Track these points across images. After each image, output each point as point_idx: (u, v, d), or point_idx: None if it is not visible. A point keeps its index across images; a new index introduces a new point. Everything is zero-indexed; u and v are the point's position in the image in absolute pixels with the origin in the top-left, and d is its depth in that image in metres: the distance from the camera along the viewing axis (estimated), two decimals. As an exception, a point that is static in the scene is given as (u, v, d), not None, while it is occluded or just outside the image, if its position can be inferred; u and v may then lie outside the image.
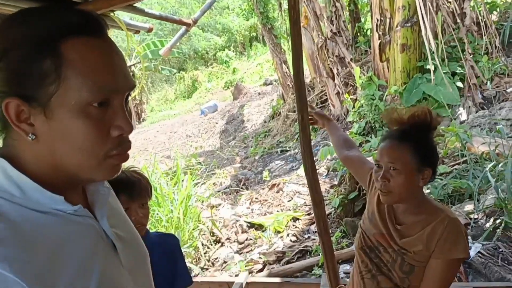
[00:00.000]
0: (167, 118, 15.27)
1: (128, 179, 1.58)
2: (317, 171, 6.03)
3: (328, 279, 2.27)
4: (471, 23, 5.99)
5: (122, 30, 3.04)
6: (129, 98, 0.74)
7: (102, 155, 0.68)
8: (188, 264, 4.11)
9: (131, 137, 0.73)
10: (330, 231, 4.28)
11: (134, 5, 3.04)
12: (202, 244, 4.62)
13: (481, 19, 5.72)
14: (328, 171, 5.72)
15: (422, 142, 1.45)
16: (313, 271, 3.62)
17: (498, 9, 6.88)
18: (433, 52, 5.42)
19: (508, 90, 5.30)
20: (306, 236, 4.39)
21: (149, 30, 3.79)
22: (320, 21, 7.37)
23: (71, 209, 0.69)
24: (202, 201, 5.67)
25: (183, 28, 4.26)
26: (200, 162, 8.10)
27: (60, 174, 0.70)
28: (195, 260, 4.41)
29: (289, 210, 5.08)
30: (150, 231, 1.87)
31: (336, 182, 5.11)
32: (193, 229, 4.73)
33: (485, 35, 5.68)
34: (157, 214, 4.56)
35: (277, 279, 2.79)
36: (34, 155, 0.68)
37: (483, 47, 5.69)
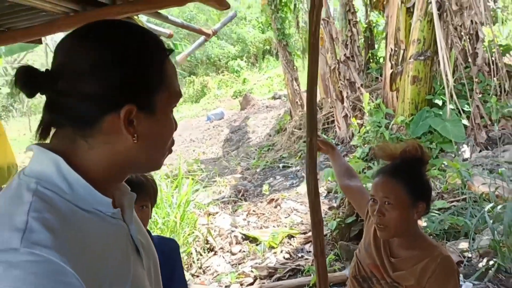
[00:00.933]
0: (172, 121, 15.33)
1: (131, 179, 1.61)
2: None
3: (319, 302, 2.30)
4: (482, 63, 6.08)
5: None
6: None
7: (167, 149, 0.81)
8: (180, 270, 4.14)
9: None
10: (324, 252, 4.31)
11: (159, 11, 3.15)
12: (196, 251, 4.64)
13: (493, 61, 5.81)
14: (328, 192, 5.76)
15: (414, 177, 1.50)
16: (303, 291, 3.65)
17: (511, 53, 6.97)
18: (445, 87, 5.50)
19: (513, 133, 5.36)
20: (299, 255, 4.41)
21: (169, 36, 3.90)
22: (335, 44, 7.47)
23: (110, 211, 0.74)
24: (200, 208, 5.71)
25: (202, 37, 4.37)
26: (201, 168, 8.15)
27: (121, 172, 0.77)
28: (186, 266, 4.44)
29: (285, 226, 5.11)
30: (152, 234, 1.91)
31: (334, 204, 5.16)
32: (188, 235, 4.77)
33: (495, 77, 5.76)
34: (154, 216, 4.59)
35: (268, 295, 2.81)
36: (106, 155, 0.73)
37: (493, 88, 5.77)
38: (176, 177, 5.78)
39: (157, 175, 5.85)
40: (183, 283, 1.90)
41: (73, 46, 0.71)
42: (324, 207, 5.46)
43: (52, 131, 0.75)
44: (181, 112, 17.27)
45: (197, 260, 4.54)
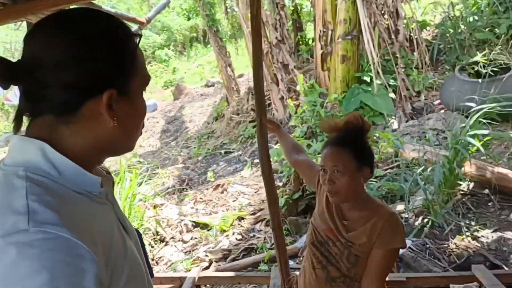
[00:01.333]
0: (103, 116, 14.74)
1: None
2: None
3: (280, 272, 2.43)
4: (403, 40, 6.52)
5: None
6: None
7: (140, 131, 0.85)
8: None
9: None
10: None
11: (92, 1, 3.04)
12: (147, 244, 4.61)
13: (413, 37, 6.26)
14: (274, 172, 5.92)
15: (358, 144, 1.63)
16: (259, 267, 3.78)
17: (428, 28, 7.53)
18: (371, 64, 5.85)
19: (435, 103, 5.85)
20: (251, 235, 4.54)
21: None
22: (266, 27, 7.60)
23: (98, 190, 0.76)
24: (146, 200, 5.63)
25: (136, 26, 4.27)
26: (141, 161, 7.98)
27: (101, 155, 0.80)
28: (139, 259, 4.40)
29: (234, 209, 5.21)
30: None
31: (280, 183, 5.33)
32: (138, 228, 4.71)
33: (415, 51, 6.22)
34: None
35: (229, 273, 2.90)
36: (88, 140, 0.75)
37: (414, 62, 6.23)
38: (116, 172, 5.64)
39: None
40: (149, 267, 1.93)
41: (49, 37, 0.71)
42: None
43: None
44: (111, 106, 16.58)
45: (149, 252, 4.51)
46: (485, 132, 3.94)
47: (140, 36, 0.81)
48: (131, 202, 4.79)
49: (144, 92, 0.83)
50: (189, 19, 21.95)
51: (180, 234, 4.93)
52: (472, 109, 4.21)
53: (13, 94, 11.70)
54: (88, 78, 0.71)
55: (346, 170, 1.58)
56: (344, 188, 1.59)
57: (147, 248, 4.47)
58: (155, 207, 5.67)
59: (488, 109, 4.07)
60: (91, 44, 0.71)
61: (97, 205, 0.76)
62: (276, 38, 7.47)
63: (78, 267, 0.59)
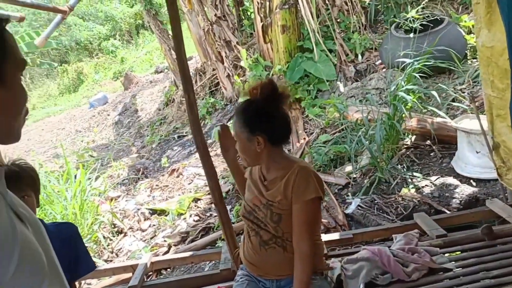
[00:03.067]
0: (52, 115, 14.20)
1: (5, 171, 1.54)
2: (216, 152, 6.22)
3: (227, 244, 2.43)
4: (342, 3, 6.55)
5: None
6: None
7: (23, 118, 0.83)
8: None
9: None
10: (231, 205, 4.48)
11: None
12: (104, 237, 4.52)
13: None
14: (225, 151, 5.90)
15: (251, 111, 1.63)
16: (216, 245, 3.79)
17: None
18: (310, 32, 5.85)
19: (377, 63, 5.94)
20: (208, 214, 4.54)
21: (21, 19, 3.55)
22: (204, 5, 7.44)
23: None
24: (99, 194, 5.50)
25: (59, 16, 4.05)
26: (93, 156, 7.77)
27: None
28: (97, 253, 4.32)
29: (190, 192, 5.18)
30: (46, 222, 1.84)
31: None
32: (92, 223, 4.61)
33: (353, 14, 6.27)
34: (50, 212, 4.36)
35: (180, 255, 2.88)
36: None
37: (352, 24, 6.28)
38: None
39: (43, 172, 5.51)
40: (90, 262, 1.89)
41: None
42: (224, 166, 5.61)
43: None
44: (59, 104, 15.99)
45: (108, 245, 4.43)
46: (414, 87, 4.04)
47: (7, 20, 0.79)
48: (81, 197, 4.67)
49: (21, 77, 0.81)
50: (132, 6, 21.28)
51: (138, 223, 4.87)
52: (405, 63, 4.29)
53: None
54: None
55: (239, 138, 1.65)
56: (243, 155, 1.67)
57: (103, 242, 4.39)
58: (111, 200, 5.56)
59: (419, 63, 4.16)
60: None
61: None
62: (216, 15, 7.33)
63: None
